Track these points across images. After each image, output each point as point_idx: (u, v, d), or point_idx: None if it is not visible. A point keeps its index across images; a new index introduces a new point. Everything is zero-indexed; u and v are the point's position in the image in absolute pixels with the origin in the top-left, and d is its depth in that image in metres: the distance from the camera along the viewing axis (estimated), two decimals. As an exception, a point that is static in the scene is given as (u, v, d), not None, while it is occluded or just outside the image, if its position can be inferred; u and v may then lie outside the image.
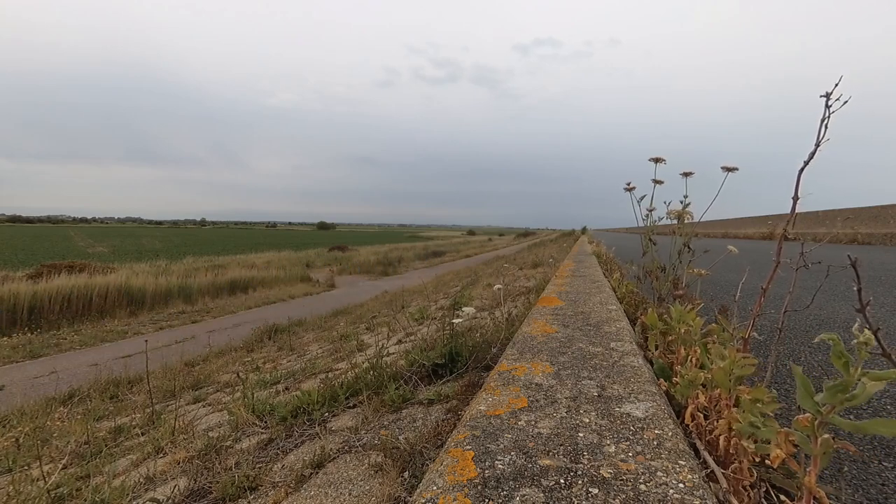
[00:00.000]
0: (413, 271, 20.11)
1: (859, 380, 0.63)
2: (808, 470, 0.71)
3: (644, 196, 2.16)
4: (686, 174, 1.91)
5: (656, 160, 2.02)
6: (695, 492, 0.76)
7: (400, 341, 3.85)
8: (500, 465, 0.88)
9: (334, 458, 1.45)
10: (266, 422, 2.10)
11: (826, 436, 0.68)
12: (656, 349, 1.60)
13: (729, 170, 1.64)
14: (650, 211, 2.18)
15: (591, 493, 0.77)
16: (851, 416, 1.44)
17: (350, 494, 1.20)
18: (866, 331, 0.63)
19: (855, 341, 0.64)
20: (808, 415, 0.68)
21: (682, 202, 1.94)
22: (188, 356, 6.55)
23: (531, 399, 1.18)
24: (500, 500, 0.77)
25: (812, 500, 0.72)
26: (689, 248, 1.97)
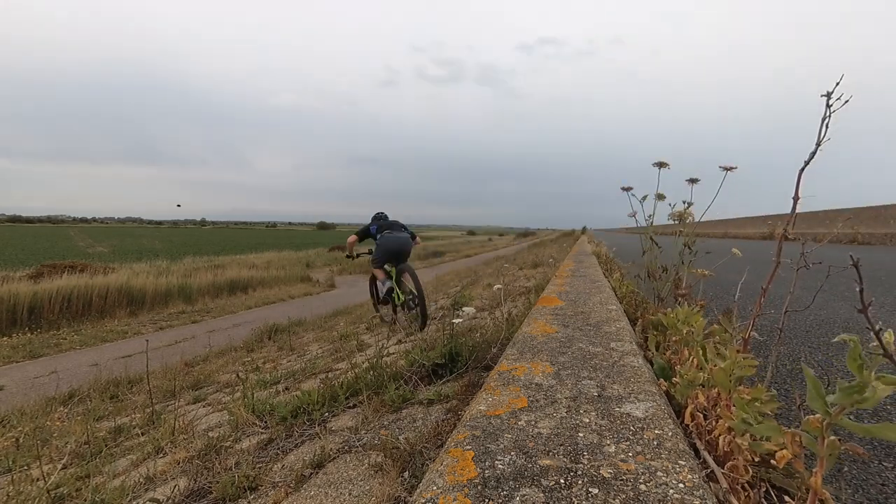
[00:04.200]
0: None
1: (870, 383, 0.62)
2: (814, 471, 0.71)
3: (646, 196, 2.15)
4: (692, 181, 1.90)
5: (660, 165, 2.00)
6: (695, 492, 0.76)
7: (400, 341, 3.85)
8: (500, 465, 0.88)
9: (334, 458, 1.45)
10: (266, 422, 2.10)
11: (833, 437, 0.67)
12: (657, 349, 1.60)
13: (727, 169, 1.64)
14: (651, 216, 2.17)
15: (591, 493, 0.77)
16: (851, 418, 1.44)
17: (350, 494, 1.20)
18: (888, 334, 0.63)
19: (872, 344, 0.64)
20: (818, 416, 0.68)
21: (684, 203, 1.94)
22: (188, 356, 6.55)
23: (531, 399, 1.18)
24: (501, 501, 0.77)
25: (817, 502, 0.71)
26: (689, 248, 1.97)
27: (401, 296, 4.58)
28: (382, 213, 5.13)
